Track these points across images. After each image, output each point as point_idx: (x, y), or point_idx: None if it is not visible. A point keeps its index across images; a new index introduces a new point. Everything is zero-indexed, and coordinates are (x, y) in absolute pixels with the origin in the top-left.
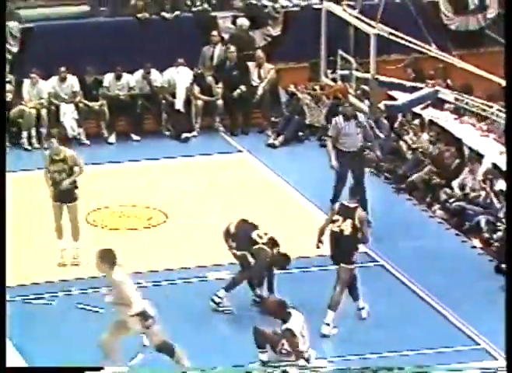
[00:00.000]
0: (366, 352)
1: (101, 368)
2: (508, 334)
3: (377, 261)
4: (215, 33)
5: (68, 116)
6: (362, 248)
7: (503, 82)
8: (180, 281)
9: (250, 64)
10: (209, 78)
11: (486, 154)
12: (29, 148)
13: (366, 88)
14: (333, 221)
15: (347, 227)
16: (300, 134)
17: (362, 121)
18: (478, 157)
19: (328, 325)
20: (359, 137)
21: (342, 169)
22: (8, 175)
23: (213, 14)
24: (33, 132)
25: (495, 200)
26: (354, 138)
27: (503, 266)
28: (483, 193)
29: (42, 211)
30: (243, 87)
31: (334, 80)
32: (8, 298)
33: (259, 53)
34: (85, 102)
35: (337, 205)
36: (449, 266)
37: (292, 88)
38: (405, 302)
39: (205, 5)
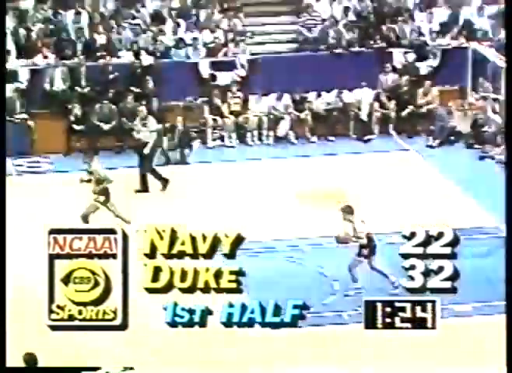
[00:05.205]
0: None
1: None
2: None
3: None
4: (388, 64)
5: (283, 122)
6: None
7: None
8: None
9: (416, 87)
10: (384, 97)
11: None
12: (252, 144)
13: (498, 105)
14: None
15: None
16: (451, 138)
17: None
18: None
19: None
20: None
21: None
22: (235, 164)
23: (389, 50)
24: (255, 133)
25: None
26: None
27: None
28: None
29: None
30: (411, 106)
31: (476, 99)
32: None
33: (425, 79)
34: (295, 112)
35: None
36: None
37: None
38: None
39: (383, 44)
